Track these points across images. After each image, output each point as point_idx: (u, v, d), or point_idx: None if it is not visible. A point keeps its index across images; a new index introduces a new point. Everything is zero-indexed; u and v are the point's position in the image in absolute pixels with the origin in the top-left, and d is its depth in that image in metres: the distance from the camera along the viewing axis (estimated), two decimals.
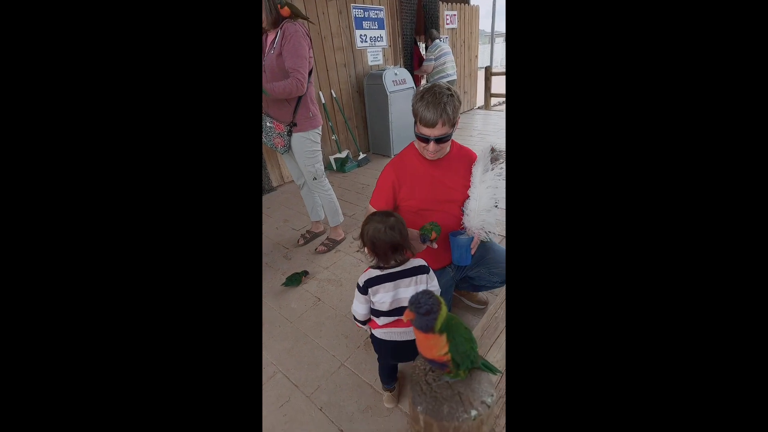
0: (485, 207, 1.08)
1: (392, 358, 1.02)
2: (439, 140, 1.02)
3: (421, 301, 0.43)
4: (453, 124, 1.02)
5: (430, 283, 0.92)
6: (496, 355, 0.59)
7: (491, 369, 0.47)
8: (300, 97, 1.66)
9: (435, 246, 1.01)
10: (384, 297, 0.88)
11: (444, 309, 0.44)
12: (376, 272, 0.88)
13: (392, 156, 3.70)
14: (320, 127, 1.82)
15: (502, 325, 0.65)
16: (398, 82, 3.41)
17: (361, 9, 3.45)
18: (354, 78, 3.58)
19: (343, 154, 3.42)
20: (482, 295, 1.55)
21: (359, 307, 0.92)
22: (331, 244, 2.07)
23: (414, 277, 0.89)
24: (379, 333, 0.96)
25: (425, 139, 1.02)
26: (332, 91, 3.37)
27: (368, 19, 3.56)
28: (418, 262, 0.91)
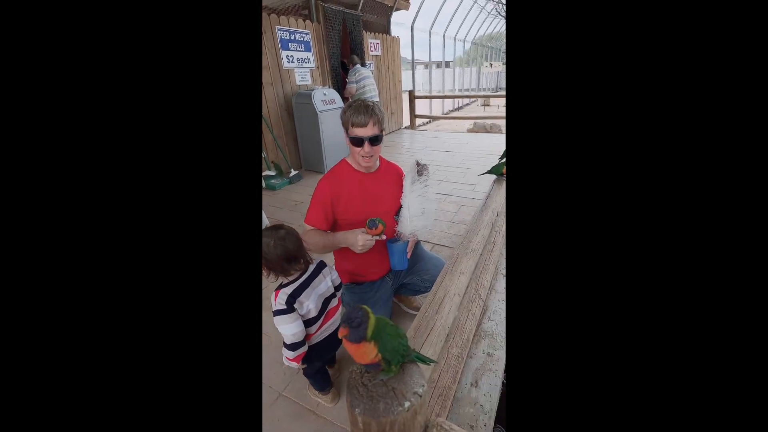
0: (416, 214, 1.16)
1: (327, 352, 1.07)
2: (373, 140, 1.08)
3: (352, 316, 0.46)
4: (381, 128, 1.10)
5: (332, 274, 1.04)
6: (427, 351, 0.64)
7: (424, 360, 0.51)
8: None
9: (384, 237, 1.08)
10: (310, 304, 0.91)
11: (372, 317, 0.46)
12: (291, 286, 0.89)
13: (324, 172, 3.70)
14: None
15: (432, 323, 0.70)
16: (327, 101, 3.47)
17: (286, 31, 3.48)
18: (282, 97, 3.54)
19: (273, 172, 3.31)
20: (418, 301, 1.64)
21: (292, 328, 0.88)
22: None
23: (320, 274, 0.97)
24: (319, 337, 0.98)
25: (359, 141, 1.08)
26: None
27: (294, 41, 3.60)
28: (320, 262, 1.00)
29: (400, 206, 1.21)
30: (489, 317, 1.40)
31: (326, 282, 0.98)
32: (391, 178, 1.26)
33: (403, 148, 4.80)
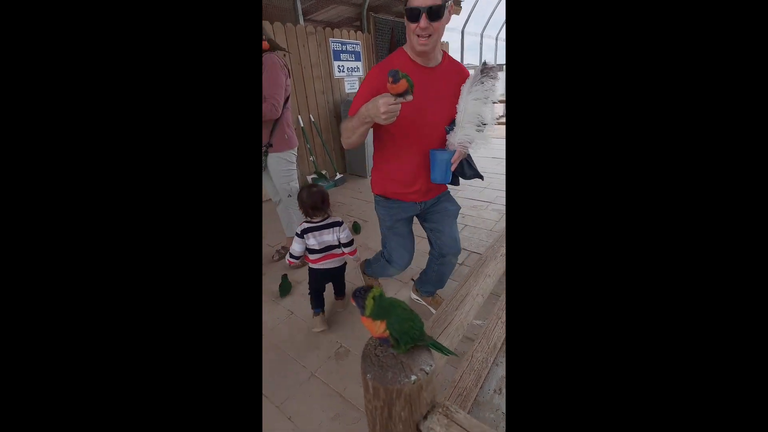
0: (469, 119, 1.00)
1: (324, 281, 1.54)
2: (432, 14, 0.88)
3: (357, 292, 0.55)
4: (446, 1, 0.89)
5: (342, 233, 1.44)
6: (444, 341, 0.68)
7: (441, 350, 0.56)
8: (276, 121, 1.77)
9: (409, 98, 0.85)
10: (313, 241, 1.41)
11: (370, 300, 0.53)
12: (307, 224, 1.41)
13: (368, 177, 3.85)
14: (296, 148, 1.93)
15: (450, 318, 0.74)
16: None
17: (339, 43, 3.70)
18: (332, 104, 3.76)
19: (324, 173, 3.53)
20: (441, 297, 1.67)
21: (297, 247, 1.43)
22: (305, 262, 2.12)
23: (332, 228, 1.42)
24: (315, 266, 1.48)
25: (416, 15, 0.88)
26: (311, 115, 3.51)
27: (346, 51, 3.81)
28: (335, 219, 1.44)
29: (455, 114, 1.03)
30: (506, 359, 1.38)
31: (333, 235, 1.43)
32: (454, 79, 1.04)
33: None
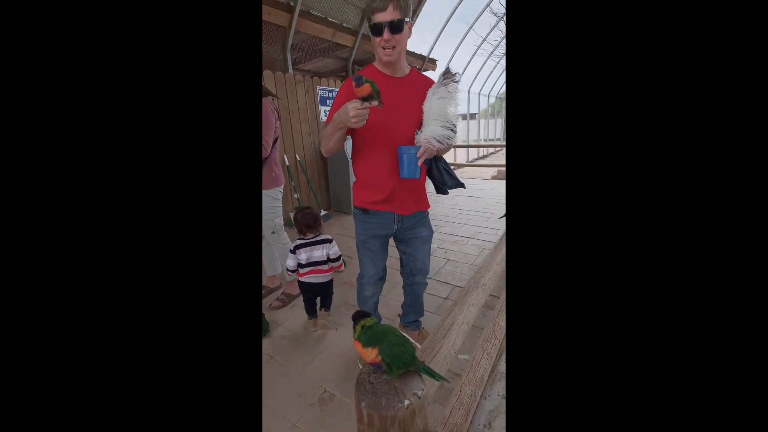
0: (435, 117, 1.07)
1: (312, 294, 1.72)
2: (393, 27, 0.98)
3: (354, 317, 0.59)
4: (405, 14, 0.99)
5: (331, 249, 1.65)
6: (434, 368, 0.69)
7: (432, 375, 0.57)
8: (264, 159, 1.84)
9: (375, 104, 0.95)
10: (304, 256, 1.62)
11: (358, 327, 0.57)
12: (301, 241, 1.65)
13: (352, 213, 3.90)
14: (282, 186, 1.98)
15: (438, 346, 0.76)
16: None
17: (325, 90, 3.96)
18: (317, 145, 3.92)
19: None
20: (426, 332, 1.67)
21: (291, 262, 1.67)
22: (287, 299, 2.06)
23: (322, 244, 1.64)
24: (304, 279, 1.67)
25: (380, 29, 0.99)
26: (297, 155, 3.63)
27: (331, 98, 4.06)
28: (326, 236, 1.67)
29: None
30: (505, 360, 1.38)
31: (323, 251, 1.64)
32: (422, 88, 1.13)
33: (429, 191, 4.97)
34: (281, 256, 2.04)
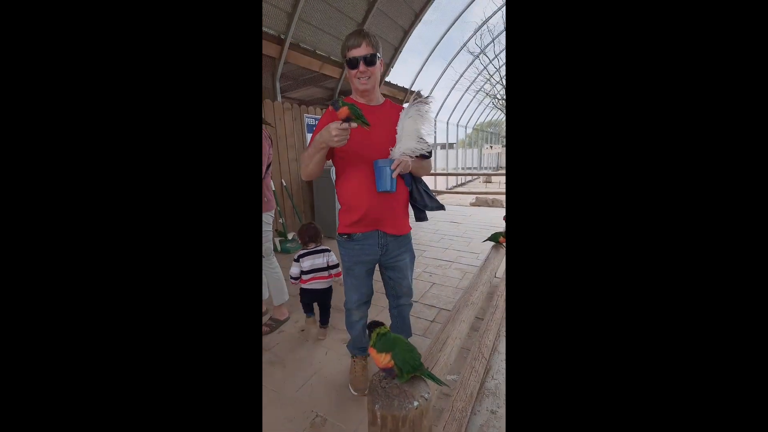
0: (407, 134, 1.15)
1: (312, 300, 1.93)
2: (367, 61, 1.13)
3: (368, 326, 0.65)
4: (376, 50, 1.14)
5: (330, 257, 1.87)
6: (436, 372, 0.75)
7: (435, 380, 0.64)
8: None
9: (353, 125, 1.04)
10: (306, 264, 1.85)
11: (374, 335, 0.63)
12: (304, 251, 1.88)
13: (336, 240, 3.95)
14: (273, 211, 2.02)
15: (436, 359, 0.82)
16: None
17: (312, 118, 4.10)
18: None
19: (290, 236, 3.55)
20: None
21: (295, 270, 1.87)
22: (274, 324, 2.05)
23: (322, 254, 1.86)
24: (306, 285, 1.89)
25: (355, 62, 1.13)
26: (282, 180, 3.68)
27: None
28: (325, 247, 1.90)
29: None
30: (492, 376, 1.45)
31: (323, 258, 1.87)
32: (395, 115, 1.22)
33: (411, 217, 5.11)
34: (270, 281, 2.04)
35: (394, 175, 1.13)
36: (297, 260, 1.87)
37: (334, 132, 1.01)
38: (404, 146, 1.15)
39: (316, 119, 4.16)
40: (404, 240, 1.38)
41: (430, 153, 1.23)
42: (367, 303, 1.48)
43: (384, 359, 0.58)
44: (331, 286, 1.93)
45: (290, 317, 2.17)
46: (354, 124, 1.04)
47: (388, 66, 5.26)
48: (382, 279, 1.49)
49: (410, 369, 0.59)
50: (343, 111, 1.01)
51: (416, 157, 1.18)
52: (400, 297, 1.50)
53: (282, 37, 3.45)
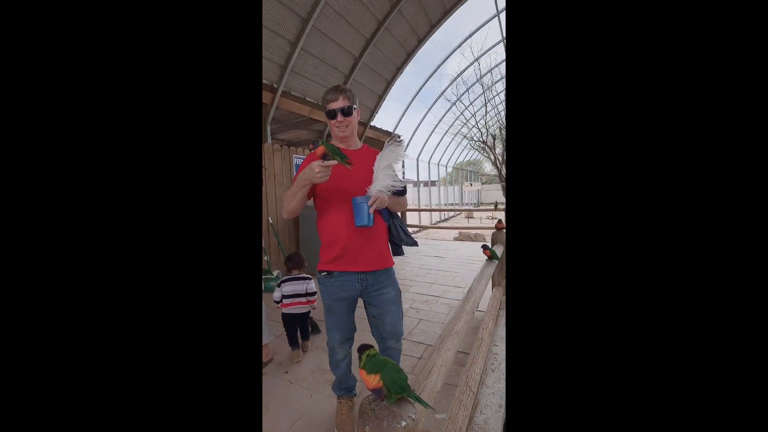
0: (383, 173, 1.25)
1: (293, 323, 2.11)
2: (344, 112, 1.28)
3: (359, 348, 0.68)
4: (352, 103, 1.28)
5: (309, 285, 2.12)
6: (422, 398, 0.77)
7: (422, 402, 0.67)
8: None
9: (332, 162, 1.13)
10: (287, 289, 2.09)
11: (364, 356, 0.67)
12: (287, 276, 2.16)
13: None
14: (262, 247, 2.07)
15: (423, 386, 0.85)
16: None
17: (300, 158, 4.27)
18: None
19: (274, 274, 3.52)
20: None
21: (277, 294, 2.09)
22: None
23: (303, 281, 2.11)
24: (286, 310, 2.09)
25: (334, 114, 1.28)
26: (269, 218, 3.73)
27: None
28: (306, 275, 2.17)
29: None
30: (481, 411, 1.45)
31: (303, 285, 2.10)
32: (372, 157, 1.33)
33: None
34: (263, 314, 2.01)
35: (371, 210, 1.21)
36: (279, 285, 2.10)
37: (317, 169, 1.11)
38: (380, 184, 1.24)
39: (302, 159, 4.33)
40: (385, 274, 1.39)
41: (405, 189, 1.34)
42: (350, 340, 1.46)
43: (374, 380, 0.62)
44: (309, 311, 2.17)
45: (273, 359, 2.11)
46: (333, 162, 1.14)
47: (372, 112, 5.64)
48: (367, 317, 1.47)
49: (398, 390, 0.63)
50: (320, 149, 1.15)
51: (392, 193, 1.28)
52: (385, 339, 1.44)
53: (275, 86, 3.70)
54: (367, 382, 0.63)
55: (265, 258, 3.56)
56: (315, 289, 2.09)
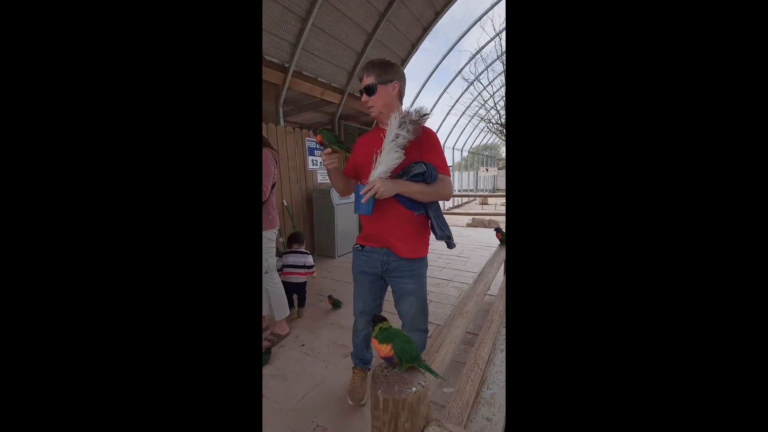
0: (384, 160, 1.14)
1: (290, 291, 2.35)
2: (368, 91, 1.20)
3: (373, 319, 0.72)
4: (379, 79, 1.19)
5: (307, 259, 2.42)
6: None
7: (431, 371, 0.71)
8: (263, 203, 2.01)
9: (330, 148, 1.22)
10: (289, 260, 2.41)
11: (377, 329, 0.71)
12: (288, 250, 2.49)
13: (336, 257, 4.01)
14: (277, 228, 2.12)
15: (432, 359, 0.89)
16: (342, 197, 4.05)
17: (312, 141, 4.29)
18: (305, 191, 4.13)
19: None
20: None
21: (279, 264, 2.36)
22: (276, 339, 2.09)
23: (302, 255, 2.42)
24: (283, 278, 2.32)
25: (360, 95, 1.25)
26: (284, 201, 3.80)
27: (318, 149, 4.39)
28: (305, 251, 2.49)
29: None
30: (488, 386, 1.49)
31: (301, 260, 2.41)
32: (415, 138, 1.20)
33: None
34: (272, 296, 2.10)
35: (364, 200, 1.14)
36: (280, 257, 2.43)
37: (323, 158, 1.22)
38: (377, 171, 1.15)
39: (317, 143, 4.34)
40: (407, 264, 1.33)
41: (430, 174, 1.16)
42: (369, 314, 1.49)
43: (385, 349, 0.66)
44: (305, 282, 2.47)
45: (291, 332, 2.21)
46: (328, 149, 1.21)
47: None
48: None
49: (408, 359, 0.67)
50: (318, 138, 1.23)
51: (412, 180, 1.16)
52: (403, 325, 1.45)
53: (285, 65, 3.68)
54: (379, 350, 0.67)
55: (280, 239, 3.66)
56: (312, 263, 2.44)
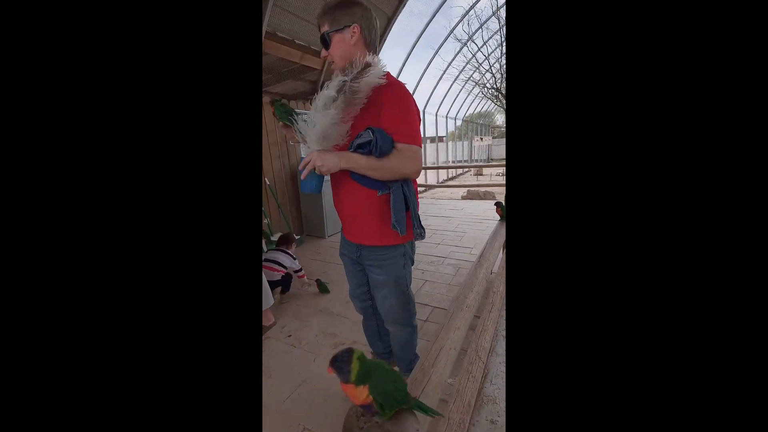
0: (319, 118, 0.92)
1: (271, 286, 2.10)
2: (323, 42, 0.98)
3: (338, 357, 0.50)
4: (331, 26, 0.94)
5: (283, 258, 2.36)
6: (424, 401, 0.65)
7: (426, 410, 0.52)
8: None
9: (279, 123, 1.12)
10: (268, 255, 2.35)
11: (356, 363, 0.48)
12: (276, 248, 2.46)
13: (326, 237, 3.82)
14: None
15: (428, 377, 0.72)
16: None
17: (297, 112, 3.95)
18: (288, 168, 3.84)
19: (274, 237, 3.42)
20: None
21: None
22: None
23: (284, 255, 2.39)
24: (264, 273, 2.06)
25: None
26: (266, 179, 3.53)
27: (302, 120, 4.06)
28: (291, 252, 2.46)
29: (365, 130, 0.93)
30: (491, 381, 1.36)
31: (283, 259, 2.35)
32: (373, 99, 0.93)
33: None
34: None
35: (302, 175, 0.94)
36: (266, 251, 2.47)
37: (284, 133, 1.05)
38: (310, 140, 0.93)
39: (300, 113, 4.00)
40: (375, 252, 1.11)
41: (374, 146, 0.90)
42: (358, 299, 1.36)
43: (362, 394, 0.46)
44: (281, 280, 2.33)
45: (277, 322, 2.06)
46: (280, 123, 1.10)
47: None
48: None
49: (393, 403, 0.48)
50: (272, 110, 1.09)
51: (357, 151, 0.92)
52: (380, 315, 1.32)
53: None
54: (354, 397, 0.47)
55: (265, 221, 3.43)
56: (288, 264, 2.38)
